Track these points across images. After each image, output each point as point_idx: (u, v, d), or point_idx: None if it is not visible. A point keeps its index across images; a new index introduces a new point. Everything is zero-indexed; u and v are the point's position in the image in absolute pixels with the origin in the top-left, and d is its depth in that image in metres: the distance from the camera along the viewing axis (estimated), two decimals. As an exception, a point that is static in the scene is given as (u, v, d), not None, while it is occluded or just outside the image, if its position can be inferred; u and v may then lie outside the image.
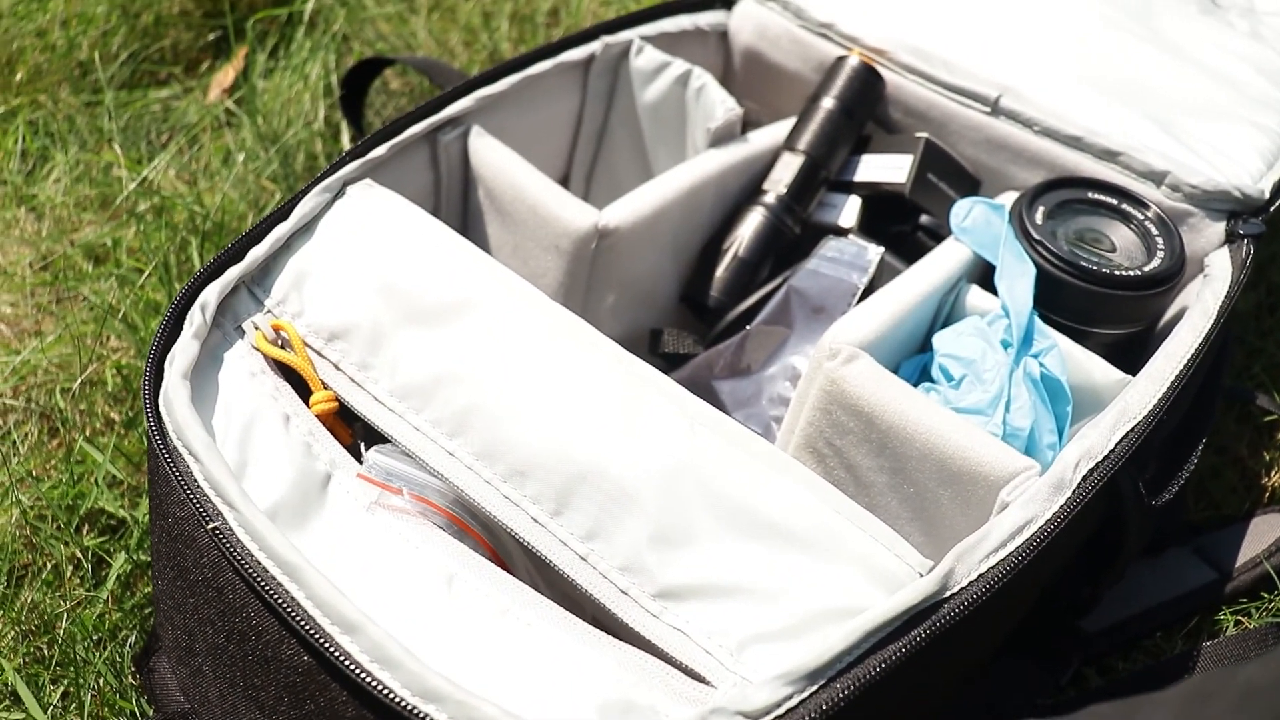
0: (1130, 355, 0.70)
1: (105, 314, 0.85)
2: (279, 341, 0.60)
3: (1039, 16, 0.87)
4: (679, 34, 0.87)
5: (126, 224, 0.94)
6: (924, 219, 0.79)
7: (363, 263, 0.61)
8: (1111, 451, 0.57)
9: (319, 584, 0.47)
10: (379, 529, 0.53)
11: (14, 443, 0.78)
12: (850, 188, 0.81)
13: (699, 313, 0.78)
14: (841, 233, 0.80)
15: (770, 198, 0.78)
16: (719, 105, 0.79)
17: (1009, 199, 0.76)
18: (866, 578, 0.49)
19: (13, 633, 0.68)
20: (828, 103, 0.80)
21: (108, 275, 0.90)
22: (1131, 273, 0.69)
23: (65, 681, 0.66)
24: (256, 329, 0.60)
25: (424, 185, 0.73)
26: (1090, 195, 0.74)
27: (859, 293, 0.71)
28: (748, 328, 0.71)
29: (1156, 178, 0.75)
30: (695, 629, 0.49)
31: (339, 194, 0.65)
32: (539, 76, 0.78)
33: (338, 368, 0.59)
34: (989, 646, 0.59)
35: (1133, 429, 0.58)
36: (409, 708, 0.44)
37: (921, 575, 0.50)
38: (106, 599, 0.69)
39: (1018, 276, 0.68)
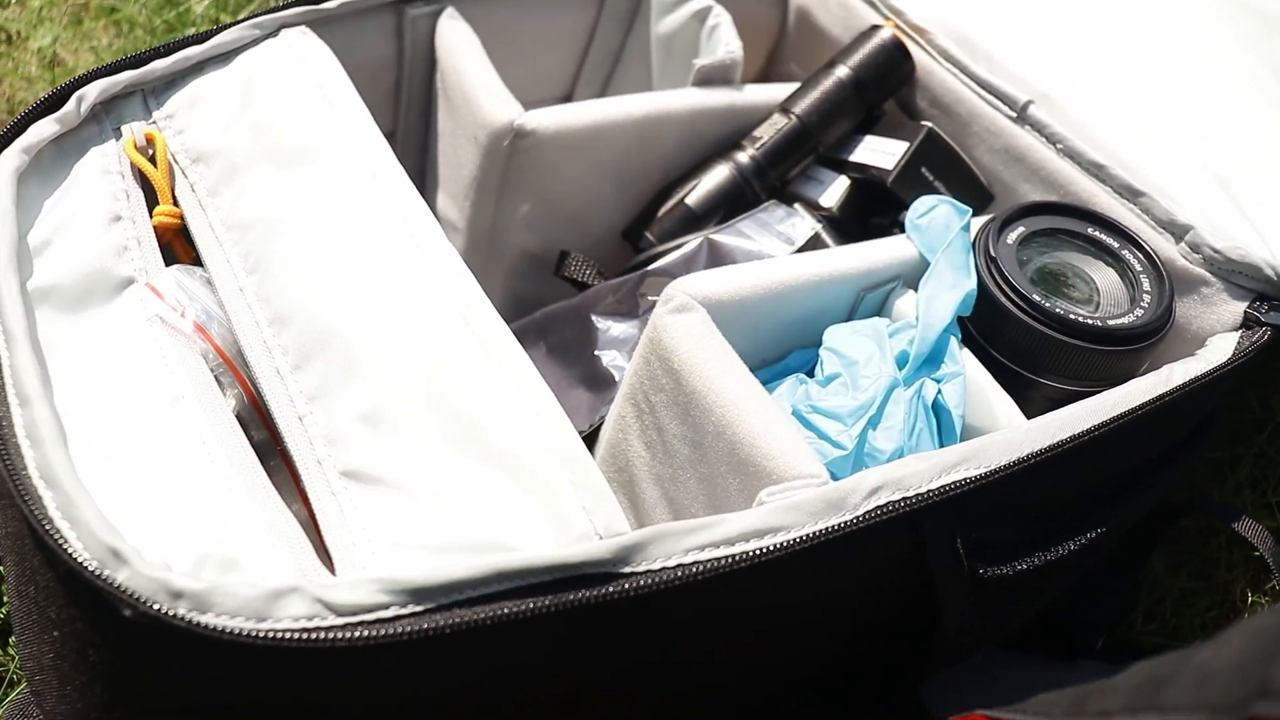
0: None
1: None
2: (148, 151, 0.61)
3: (1123, 28, 0.75)
4: (730, -26, 0.82)
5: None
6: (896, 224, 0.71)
7: (254, 98, 0.61)
8: (930, 491, 0.48)
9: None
10: (145, 340, 0.52)
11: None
12: (843, 166, 0.73)
13: (637, 251, 0.73)
14: (822, 210, 0.72)
15: (742, 155, 0.71)
16: (721, 45, 0.73)
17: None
18: (547, 523, 0.44)
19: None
20: (840, 71, 0.73)
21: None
22: (1089, 320, 0.59)
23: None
24: (132, 135, 0.60)
25: (385, 55, 0.71)
26: (1086, 230, 0.63)
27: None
28: (647, 269, 0.65)
29: (1177, 231, 0.64)
30: (357, 518, 0.45)
31: (272, 34, 0.64)
32: (543, -24, 0.75)
33: (193, 189, 0.59)
34: (712, 669, 0.51)
35: (974, 477, 0.49)
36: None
37: (601, 539, 0.44)
38: None
39: (946, 289, 0.59)
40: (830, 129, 0.72)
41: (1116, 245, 0.63)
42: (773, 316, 0.58)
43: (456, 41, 0.69)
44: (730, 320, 0.55)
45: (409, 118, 0.75)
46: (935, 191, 0.71)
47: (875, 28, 0.73)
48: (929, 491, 0.48)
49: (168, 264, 0.57)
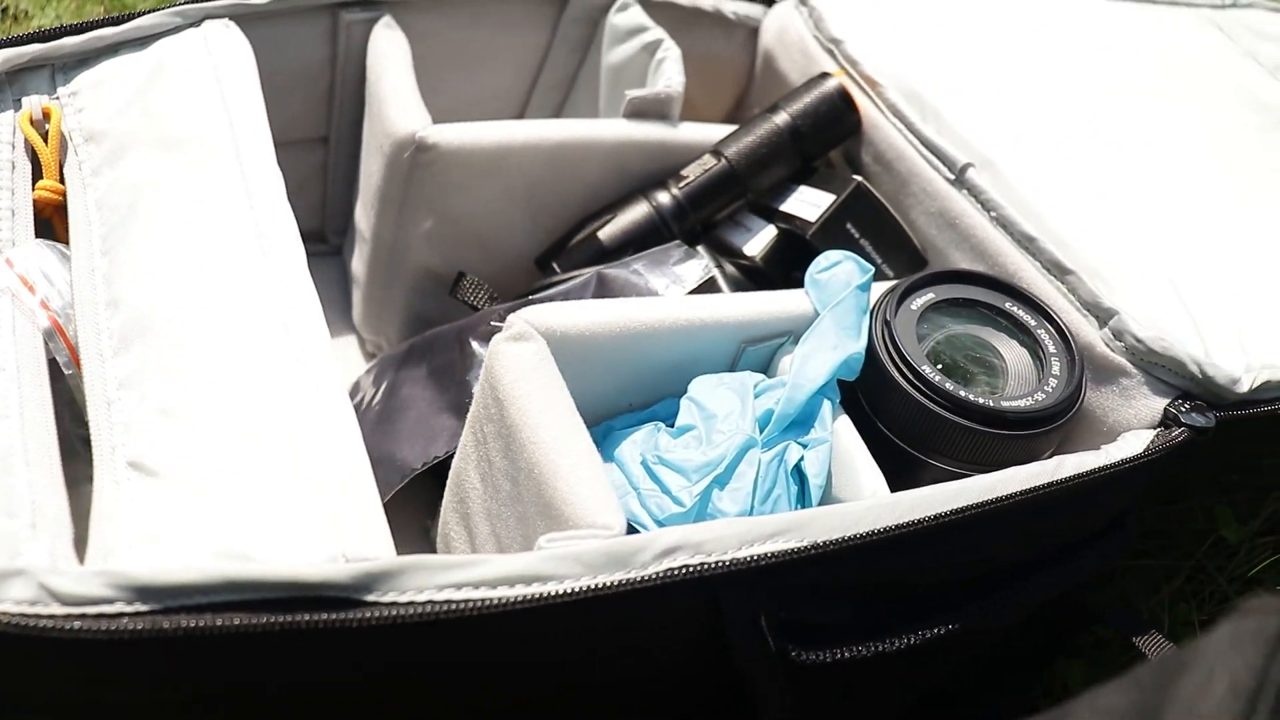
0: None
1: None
2: (43, 125, 0.60)
3: (1094, 104, 0.71)
4: (696, 10, 0.80)
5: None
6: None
7: (156, 84, 0.60)
8: (734, 560, 0.44)
9: None
10: None
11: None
12: (773, 215, 0.70)
13: (546, 283, 0.70)
14: (744, 259, 0.69)
15: (664, 193, 0.68)
16: (661, 79, 0.71)
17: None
18: (301, 540, 0.41)
19: None
20: (779, 116, 0.69)
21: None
22: (979, 399, 0.54)
23: None
24: (29, 108, 0.60)
25: (319, 59, 0.70)
26: (1002, 303, 0.59)
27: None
28: (530, 297, 0.63)
29: (1101, 315, 0.59)
30: (131, 509, 0.43)
31: (195, 23, 0.64)
32: (493, -7, 0.73)
33: (80, 167, 0.58)
34: (487, 716, 0.47)
35: (789, 550, 0.45)
36: None
37: (347, 562, 0.41)
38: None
39: (826, 349, 0.55)
40: (762, 175, 0.69)
41: (1032, 323, 0.58)
42: (637, 358, 0.55)
43: (385, 50, 0.68)
44: (580, 356, 0.52)
45: (341, 124, 0.74)
46: (859, 249, 0.67)
47: (824, 76, 0.70)
48: (732, 560, 0.44)
49: (54, 240, 0.57)
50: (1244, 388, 0.57)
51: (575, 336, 0.52)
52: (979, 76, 0.72)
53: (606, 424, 0.57)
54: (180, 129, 0.57)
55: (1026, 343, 0.58)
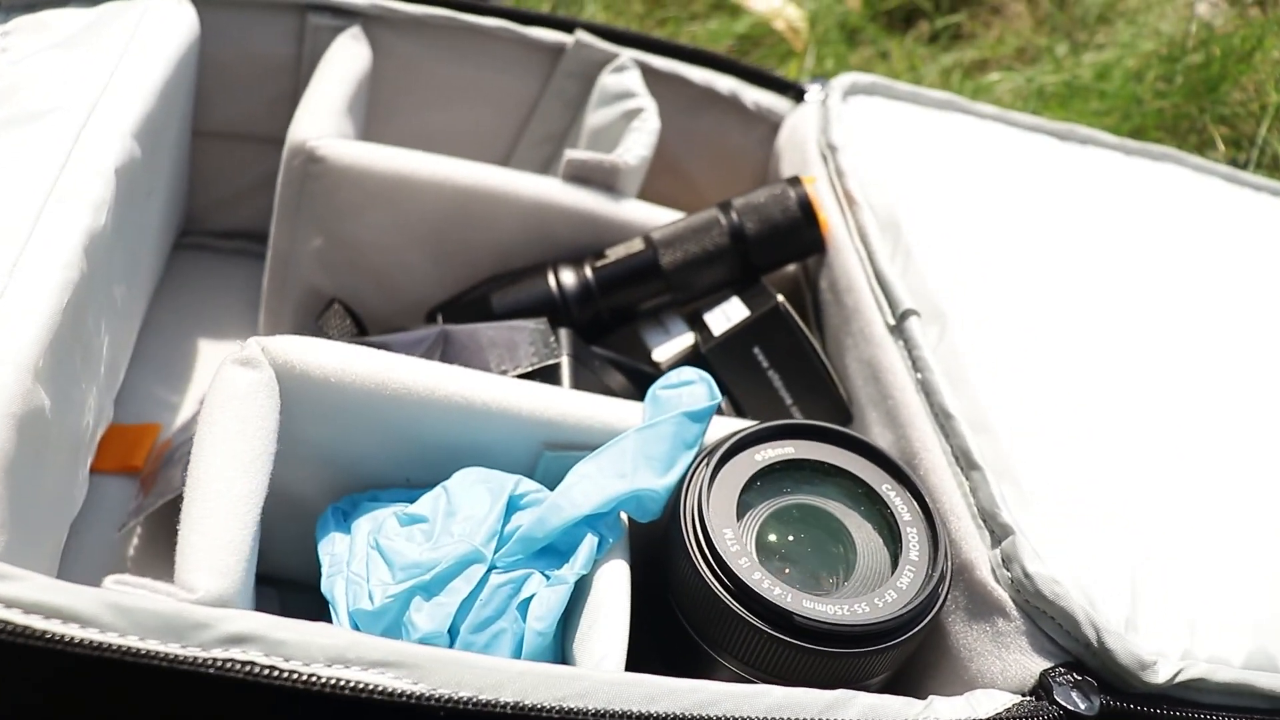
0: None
1: None
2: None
3: (1105, 275, 0.57)
4: (710, 92, 0.72)
5: None
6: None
7: (77, 37, 0.59)
8: (314, 678, 0.34)
9: None
10: None
11: None
12: (695, 322, 0.60)
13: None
14: (650, 365, 0.60)
15: (573, 270, 0.60)
16: (621, 148, 0.63)
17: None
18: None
19: None
20: (726, 215, 0.60)
21: None
22: (774, 591, 0.42)
23: None
24: (-47, 38, 0.60)
25: (284, 57, 0.67)
26: (879, 484, 0.47)
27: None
28: (372, 339, 0.56)
29: (997, 531, 0.45)
30: None
31: (149, -10, 0.63)
32: (480, 32, 0.68)
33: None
34: None
35: (398, 691, 0.35)
36: None
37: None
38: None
39: (613, 475, 0.45)
40: (690, 273, 0.59)
41: (905, 516, 0.46)
42: (408, 428, 0.47)
43: (332, 57, 0.64)
44: (337, 406, 0.45)
45: (301, 128, 0.71)
46: (765, 382, 0.56)
47: (792, 180, 0.60)
48: (309, 677, 0.34)
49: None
50: (1160, 678, 0.42)
51: (319, 380, 0.45)
52: (972, 223, 0.60)
53: (373, 492, 0.49)
54: (57, 78, 0.55)
55: (888, 539, 0.46)
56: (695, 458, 0.46)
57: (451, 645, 0.42)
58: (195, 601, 0.36)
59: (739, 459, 0.46)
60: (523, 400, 0.47)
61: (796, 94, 0.72)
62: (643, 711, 0.37)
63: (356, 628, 0.43)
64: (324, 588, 0.45)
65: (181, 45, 0.61)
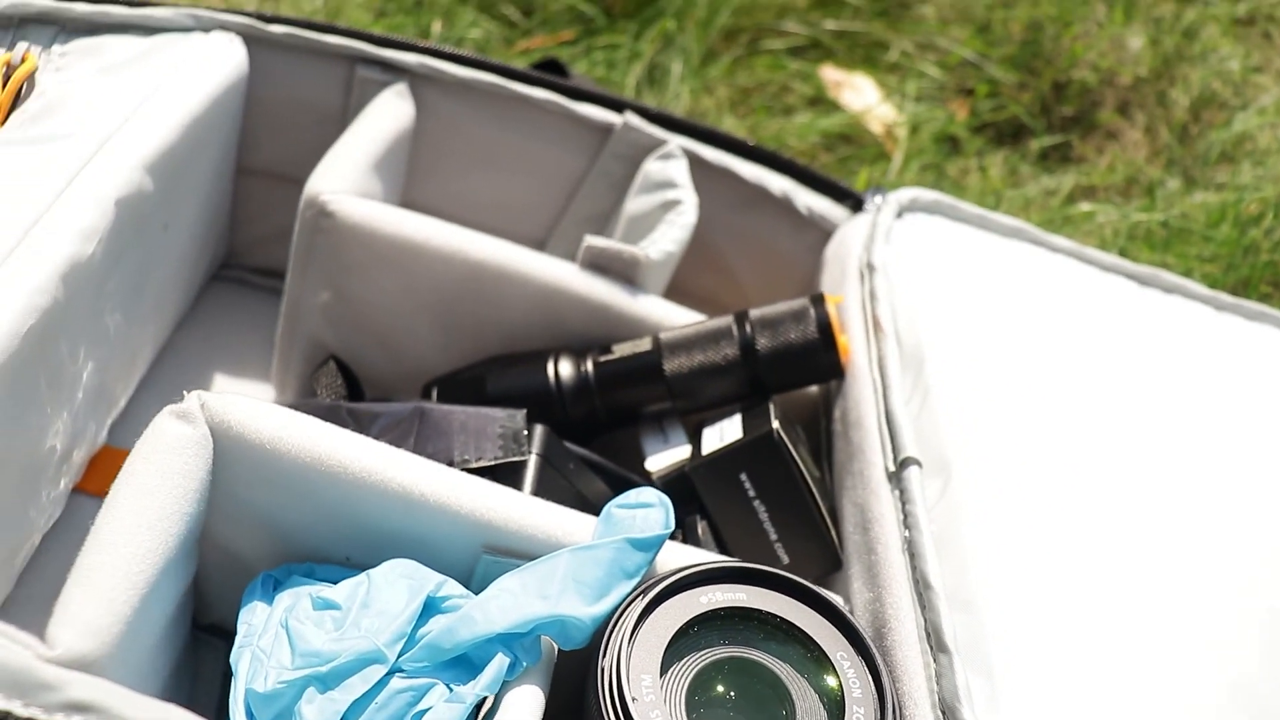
0: None
1: None
2: (13, 70, 0.61)
3: (1142, 446, 0.51)
4: (762, 191, 0.68)
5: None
6: (699, 521, 0.52)
7: (128, 66, 0.60)
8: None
9: None
10: None
11: None
12: (695, 436, 0.56)
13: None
14: (643, 474, 0.56)
15: (574, 363, 0.57)
16: (650, 242, 0.60)
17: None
18: None
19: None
20: (739, 327, 0.56)
21: None
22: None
23: None
24: (8, 52, 0.61)
25: (332, 105, 0.67)
26: (834, 650, 0.42)
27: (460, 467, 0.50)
28: (353, 405, 0.54)
29: (956, 727, 0.40)
30: None
31: (206, 29, 0.63)
32: (528, 102, 0.67)
33: (21, 114, 0.59)
34: None
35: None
36: None
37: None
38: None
39: (535, 594, 0.41)
40: (695, 382, 0.56)
41: (855, 692, 0.41)
42: (346, 506, 0.44)
43: (373, 111, 0.63)
44: (276, 472, 0.43)
45: (344, 178, 0.70)
46: (749, 512, 0.52)
47: (816, 299, 0.56)
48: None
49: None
50: None
51: (255, 444, 0.43)
52: (1009, 369, 0.55)
53: (309, 565, 0.47)
54: (88, 100, 0.56)
55: (833, 713, 0.41)
56: (634, 589, 0.42)
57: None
58: (52, 659, 0.35)
59: (681, 598, 0.42)
60: (463, 497, 0.44)
61: (855, 203, 0.68)
62: None
63: (249, 707, 0.40)
64: (232, 658, 0.43)
65: (223, 82, 0.61)
